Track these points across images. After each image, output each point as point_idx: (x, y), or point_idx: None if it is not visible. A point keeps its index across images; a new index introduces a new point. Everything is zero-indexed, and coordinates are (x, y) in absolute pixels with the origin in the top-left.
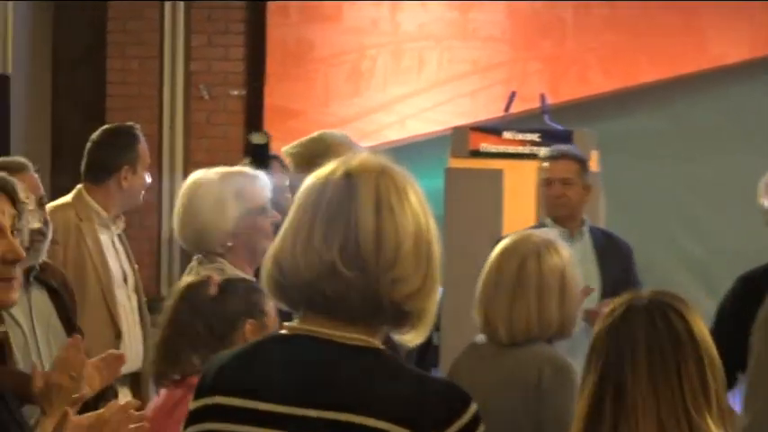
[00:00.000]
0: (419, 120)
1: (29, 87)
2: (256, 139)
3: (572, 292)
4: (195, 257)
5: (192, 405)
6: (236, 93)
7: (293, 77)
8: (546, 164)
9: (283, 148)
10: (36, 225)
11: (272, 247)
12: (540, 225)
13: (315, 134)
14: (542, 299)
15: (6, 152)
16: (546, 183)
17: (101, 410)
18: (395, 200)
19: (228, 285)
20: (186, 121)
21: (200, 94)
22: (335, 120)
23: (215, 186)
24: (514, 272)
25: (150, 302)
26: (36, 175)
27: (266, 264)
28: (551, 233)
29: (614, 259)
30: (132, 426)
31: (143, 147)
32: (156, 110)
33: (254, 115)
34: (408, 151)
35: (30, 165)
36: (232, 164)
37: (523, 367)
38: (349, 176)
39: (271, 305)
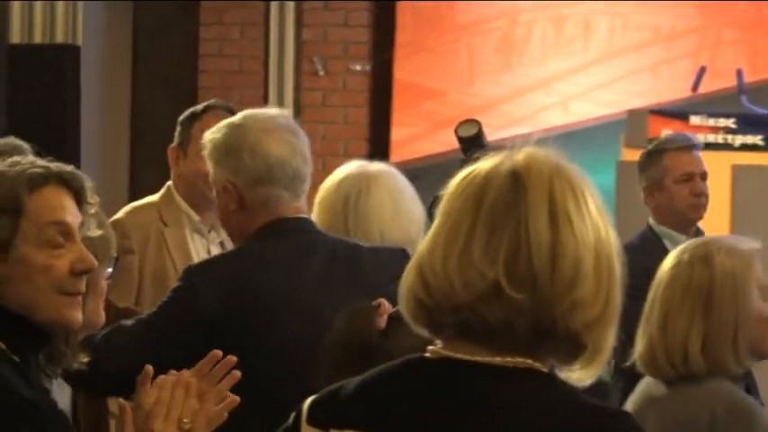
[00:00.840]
0: (585, 101)
1: (103, 60)
2: (464, 130)
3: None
4: None
5: None
6: (358, 68)
7: (429, 49)
8: (683, 153)
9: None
10: (97, 232)
11: (416, 259)
12: (651, 231)
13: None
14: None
15: (76, 136)
16: (684, 178)
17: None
18: (572, 206)
19: (400, 314)
20: (297, 102)
21: (314, 69)
22: (481, 101)
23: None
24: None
25: None
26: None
27: (407, 279)
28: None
29: None
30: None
31: (201, 126)
32: (261, 89)
33: (380, 95)
34: (571, 140)
35: (25, 146)
36: (354, 155)
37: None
38: (516, 175)
39: None
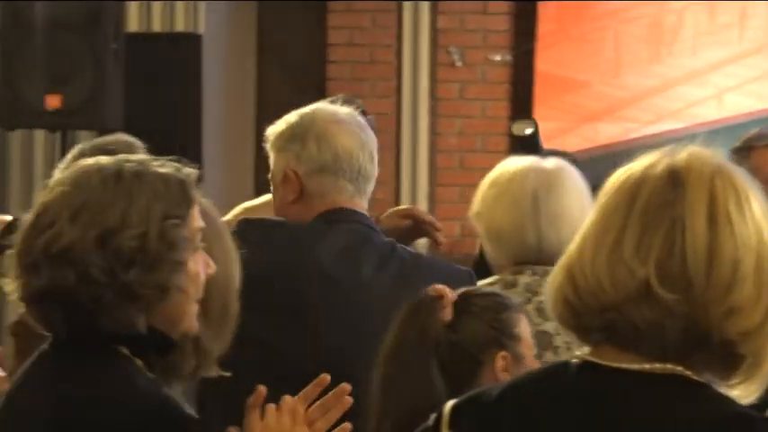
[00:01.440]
0: (741, 94)
1: (227, 50)
2: (519, 128)
3: None
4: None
5: None
6: (498, 58)
7: (574, 38)
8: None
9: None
10: None
11: (565, 258)
12: None
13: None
14: None
15: (197, 129)
16: None
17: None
18: (734, 207)
19: (466, 303)
20: (432, 95)
21: (450, 59)
22: (628, 94)
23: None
24: None
25: None
26: None
27: (555, 278)
28: None
29: None
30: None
31: None
32: (394, 81)
33: (521, 87)
34: (728, 136)
35: (137, 143)
36: (492, 151)
37: None
38: (674, 174)
39: (524, 325)
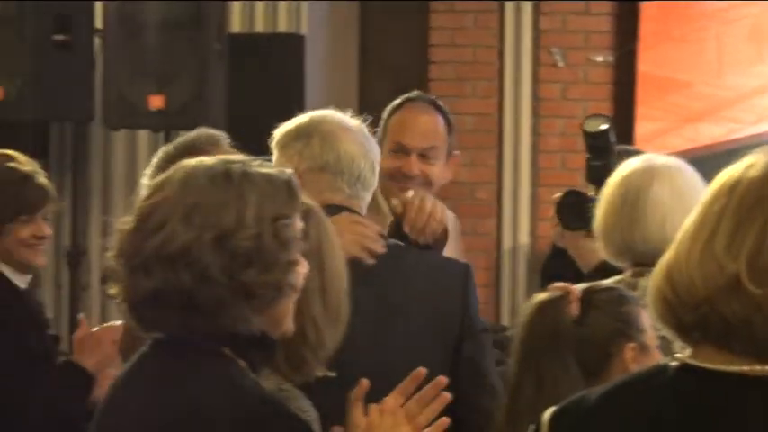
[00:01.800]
0: None
1: (329, 51)
2: (592, 125)
3: None
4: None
5: None
6: (600, 59)
7: (675, 38)
8: None
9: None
10: None
11: (665, 256)
12: None
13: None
14: None
15: None
16: None
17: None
18: None
19: (590, 298)
20: (534, 95)
21: (552, 60)
22: (731, 94)
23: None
24: None
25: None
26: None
27: (655, 276)
28: None
29: None
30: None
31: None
32: (496, 81)
33: (623, 88)
34: None
35: (221, 136)
36: None
37: None
38: None
39: (646, 317)
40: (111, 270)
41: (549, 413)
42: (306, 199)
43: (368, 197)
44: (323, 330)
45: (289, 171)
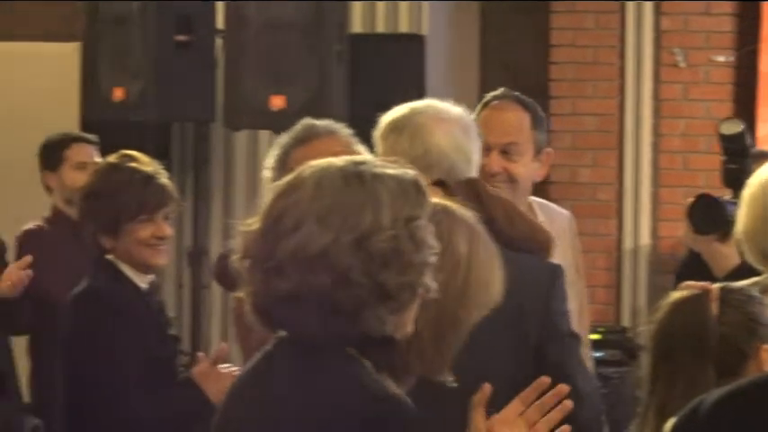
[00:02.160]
0: None
1: (450, 51)
2: (728, 128)
3: None
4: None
5: None
6: (722, 59)
7: None
8: None
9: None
10: None
11: None
12: None
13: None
14: None
15: None
16: None
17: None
18: None
19: (727, 296)
20: (655, 96)
21: (673, 60)
22: None
23: None
24: None
25: (606, 334)
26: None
27: None
28: None
29: None
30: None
31: (483, 116)
32: (617, 81)
33: (745, 88)
34: None
35: (338, 128)
36: (716, 153)
37: None
38: None
39: None
40: (236, 271)
41: (670, 424)
42: (459, 209)
43: None
44: (462, 334)
45: (412, 172)
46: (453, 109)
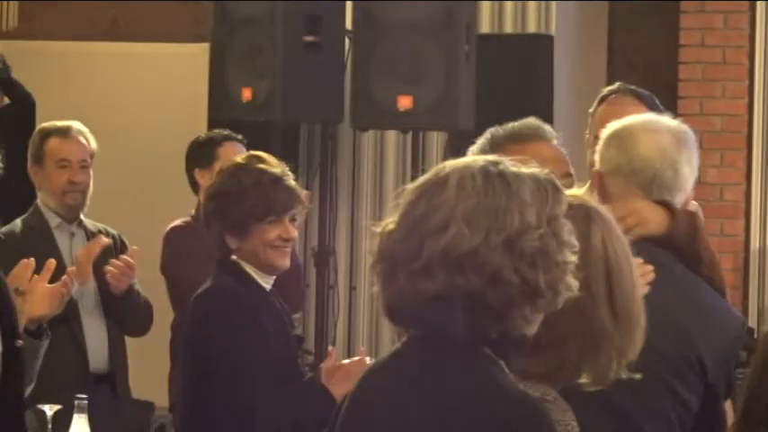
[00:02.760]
0: None
1: (578, 51)
2: None
3: None
4: None
5: None
6: None
7: None
8: None
9: None
10: None
11: None
12: None
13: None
14: None
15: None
16: None
17: None
18: None
19: None
20: None
21: None
22: None
23: None
24: None
25: None
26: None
27: None
28: None
29: None
30: None
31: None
32: (746, 82)
33: None
34: None
35: (547, 130)
36: None
37: None
38: None
39: None
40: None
41: None
42: (596, 204)
43: (670, 196)
44: (615, 339)
45: (546, 171)
46: (668, 121)
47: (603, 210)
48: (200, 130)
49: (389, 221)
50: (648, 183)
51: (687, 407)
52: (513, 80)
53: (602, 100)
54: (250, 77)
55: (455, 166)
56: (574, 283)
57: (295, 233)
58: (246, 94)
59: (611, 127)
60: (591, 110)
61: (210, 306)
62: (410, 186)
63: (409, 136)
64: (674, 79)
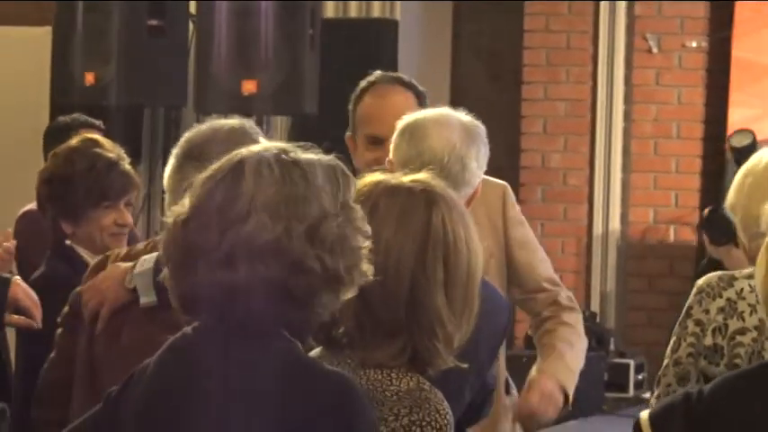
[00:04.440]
0: None
1: (422, 37)
2: (738, 140)
3: None
4: None
5: None
6: (694, 44)
7: None
8: None
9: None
10: None
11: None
12: None
13: None
14: None
15: None
16: None
17: None
18: None
19: None
20: (628, 81)
21: (646, 45)
22: None
23: None
24: None
25: None
26: None
27: (759, 272)
28: None
29: None
30: None
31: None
32: (589, 67)
33: (717, 74)
34: None
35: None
36: (687, 138)
37: None
38: None
39: None
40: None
41: (646, 412)
42: (441, 188)
43: (460, 193)
44: (448, 325)
45: (334, 158)
46: (461, 116)
47: (448, 193)
48: (43, 114)
49: (182, 211)
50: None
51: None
52: (358, 65)
53: (364, 91)
54: (93, 61)
55: (249, 155)
56: (368, 268)
57: (130, 218)
58: (89, 77)
59: (405, 119)
60: (351, 103)
61: (40, 292)
62: (204, 175)
63: (253, 120)
64: (519, 64)
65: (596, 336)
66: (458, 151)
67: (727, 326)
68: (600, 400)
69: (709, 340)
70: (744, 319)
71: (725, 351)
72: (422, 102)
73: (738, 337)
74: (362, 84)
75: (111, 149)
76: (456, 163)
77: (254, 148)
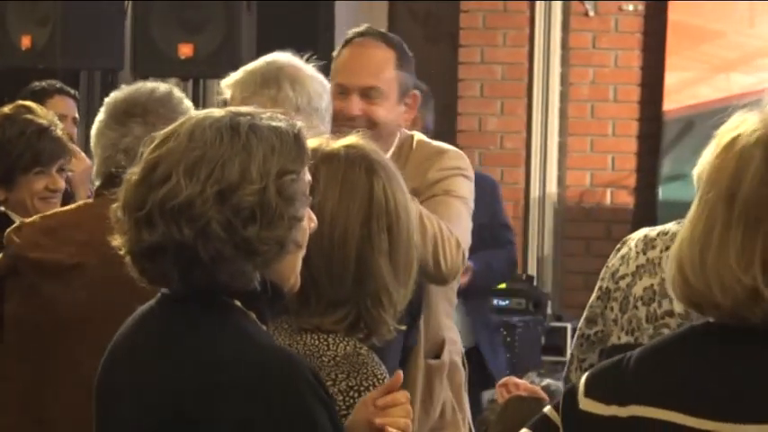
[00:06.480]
0: None
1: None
2: None
3: None
4: None
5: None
6: (630, 8)
7: None
8: None
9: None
10: None
11: (676, 248)
12: None
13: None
14: None
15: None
16: None
17: None
18: None
19: None
20: (565, 44)
21: (583, 8)
22: (763, 43)
23: None
24: None
25: (512, 282)
26: None
27: (670, 269)
28: None
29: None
30: None
31: None
32: (526, 30)
33: (653, 37)
34: None
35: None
36: (624, 101)
37: None
38: None
39: None
40: (116, 221)
41: (584, 377)
42: (376, 154)
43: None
44: (393, 293)
45: (298, 124)
46: (296, 59)
47: (382, 157)
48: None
49: (135, 171)
50: (323, 117)
51: None
52: (295, 27)
53: (346, 44)
54: (29, 24)
55: (195, 117)
56: (304, 238)
57: (62, 184)
58: (26, 41)
59: (256, 68)
60: (335, 53)
61: None
62: (156, 134)
63: (190, 84)
64: (456, 27)
65: (533, 299)
66: (327, 92)
67: (618, 270)
68: (537, 363)
69: (604, 284)
70: (628, 264)
71: (611, 294)
72: (403, 64)
73: (621, 282)
74: (349, 34)
75: (44, 116)
76: (330, 105)
77: (209, 110)
